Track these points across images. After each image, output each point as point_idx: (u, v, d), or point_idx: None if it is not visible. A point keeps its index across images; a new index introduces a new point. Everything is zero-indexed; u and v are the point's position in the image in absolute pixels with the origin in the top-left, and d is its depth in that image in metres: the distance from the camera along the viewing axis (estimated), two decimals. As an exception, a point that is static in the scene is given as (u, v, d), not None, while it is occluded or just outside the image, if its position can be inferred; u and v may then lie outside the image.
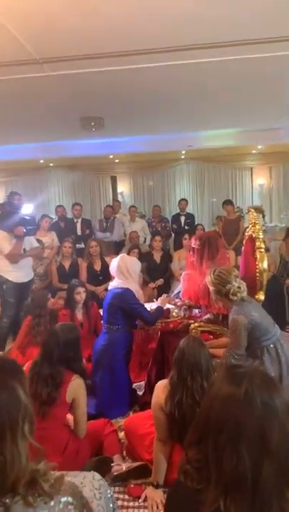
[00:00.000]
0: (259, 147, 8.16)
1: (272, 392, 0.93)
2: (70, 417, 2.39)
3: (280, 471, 0.87)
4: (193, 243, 3.18)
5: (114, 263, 3.26)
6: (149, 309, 3.26)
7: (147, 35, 2.83)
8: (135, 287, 3.23)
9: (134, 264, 3.30)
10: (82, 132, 5.49)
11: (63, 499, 0.85)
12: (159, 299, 3.30)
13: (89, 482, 1.40)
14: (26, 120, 5.16)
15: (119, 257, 3.35)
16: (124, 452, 2.58)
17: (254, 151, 8.60)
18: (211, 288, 2.60)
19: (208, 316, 3.08)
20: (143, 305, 3.19)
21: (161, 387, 2.19)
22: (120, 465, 2.38)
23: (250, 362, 2.44)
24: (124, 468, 2.34)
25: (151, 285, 5.42)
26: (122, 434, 2.68)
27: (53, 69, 3.38)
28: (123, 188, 9.51)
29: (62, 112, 4.83)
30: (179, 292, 3.55)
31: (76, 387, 2.31)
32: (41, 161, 8.64)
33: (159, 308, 3.17)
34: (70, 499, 0.86)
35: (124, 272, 3.18)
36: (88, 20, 2.60)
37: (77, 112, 4.91)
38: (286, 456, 0.89)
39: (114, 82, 3.76)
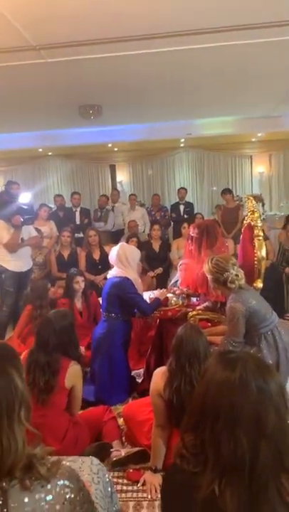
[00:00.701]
0: (259, 135, 8.09)
1: (266, 376, 0.94)
2: None
3: (277, 454, 0.89)
4: (192, 232, 3.17)
5: (113, 252, 3.26)
6: (147, 298, 3.27)
7: (146, 20, 2.79)
8: (134, 276, 3.23)
9: (134, 252, 3.30)
10: (80, 120, 5.45)
11: (60, 482, 0.86)
12: (158, 291, 3.30)
13: (87, 467, 1.42)
14: (24, 108, 5.10)
15: (118, 245, 3.34)
16: (124, 438, 2.61)
17: (254, 139, 8.53)
18: (209, 276, 2.61)
19: (206, 303, 3.10)
20: (141, 295, 3.19)
21: (160, 374, 2.21)
22: (119, 450, 2.41)
23: (247, 349, 2.46)
24: (123, 454, 2.37)
25: (150, 274, 5.43)
26: (121, 421, 2.72)
27: (51, 55, 3.34)
28: (122, 176, 9.46)
29: (60, 99, 4.78)
30: (177, 281, 3.56)
31: (74, 373, 2.33)
32: (40, 150, 8.58)
33: (157, 300, 3.17)
34: (66, 482, 0.87)
35: (123, 261, 3.18)
36: (86, 6, 2.55)
37: (75, 100, 4.86)
38: (281, 438, 0.90)
39: (113, 68, 3.72)
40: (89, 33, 2.97)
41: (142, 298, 3.16)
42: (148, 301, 3.19)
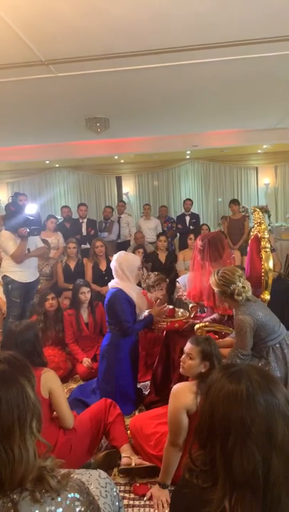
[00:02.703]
0: (264, 147, 8.14)
1: (272, 386, 0.94)
2: None
3: (287, 464, 0.88)
4: (197, 243, 3.18)
5: (112, 261, 3.16)
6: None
7: (153, 35, 2.84)
8: (132, 287, 3.12)
9: (130, 261, 3.14)
10: (87, 133, 5.52)
11: (70, 495, 0.86)
12: (154, 307, 3.18)
13: (95, 480, 1.41)
14: (32, 121, 5.19)
15: (116, 255, 3.20)
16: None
17: (259, 151, 8.59)
18: (216, 289, 2.59)
19: (213, 316, 3.08)
20: (127, 311, 3.02)
21: (185, 389, 2.10)
22: (130, 458, 2.35)
23: (255, 361, 2.44)
24: (133, 464, 2.33)
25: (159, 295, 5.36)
26: (128, 434, 2.69)
27: (59, 70, 3.40)
28: (128, 188, 9.53)
29: (68, 113, 4.86)
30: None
31: (49, 379, 2.22)
32: (47, 162, 8.69)
33: (148, 318, 3.08)
34: (76, 495, 0.87)
35: (118, 272, 3.08)
36: (93, 21, 2.61)
37: (82, 113, 4.93)
38: None
39: (120, 82, 3.78)
40: (97, 48, 3.03)
41: (128, 315, 3.01)
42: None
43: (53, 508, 0.83)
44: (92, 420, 2.41)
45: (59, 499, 0.84)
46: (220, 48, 3.06)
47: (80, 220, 6.84)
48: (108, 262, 5.13)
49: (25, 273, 4.29)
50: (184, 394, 2.08)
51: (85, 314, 3.99)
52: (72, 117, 5.05)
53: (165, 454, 2.10)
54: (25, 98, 4.14)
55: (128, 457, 2.36)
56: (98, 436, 2.44)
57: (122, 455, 2.39)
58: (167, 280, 4.17)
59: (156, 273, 4.03)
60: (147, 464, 2.36)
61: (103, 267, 5.13)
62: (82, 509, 0.86)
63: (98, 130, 5.23)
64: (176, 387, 2.16)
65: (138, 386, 3.37)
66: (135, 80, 3.75)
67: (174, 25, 2.71)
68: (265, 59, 3.31)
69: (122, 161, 9.06)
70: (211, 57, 3.26)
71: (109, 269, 5.01)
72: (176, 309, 3.32)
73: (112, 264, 3.15)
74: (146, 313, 3.19)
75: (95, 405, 2.55)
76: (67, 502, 0.85)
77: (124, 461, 2.34)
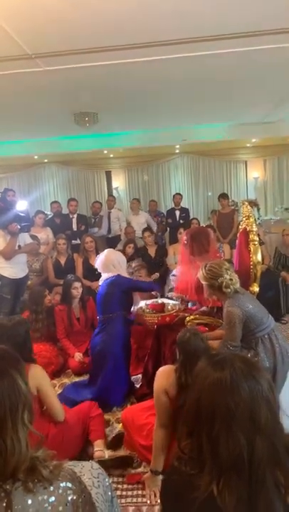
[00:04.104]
0: (253, 140, 8.18)
1: (255, 372, 0.97)
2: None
3: (271, 447, 0.92)
4: (183, 238, 3.23)
5: (101, 258, 3.31)
6: (144, 304, 3.31)
7: (141, 29, 2.84)
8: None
9: (123, 257, 3.44)
10: (76, 128, 5.49)
11: (62, 484, 0.88)
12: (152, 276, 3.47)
13: (87, 471, 1.42)
14: (20, 116, 5.15)
15: (106, 251, 3.40)
16: (124, 445, 2.58)
17: (248, 145, 8.62)
18: (204, 283, 2.62)
19: (203, 308, 3.12)
20: (137, 279, 3.36)
21: (165, 372, 2.24)
22: (102, 451, 2.44)
23: (244, 353, 2.48)
24: (106, 456, 2.40)
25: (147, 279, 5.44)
26: (120, 426, 2.72)
27: (47, 64, 3.38)
28: (118, 182, 9.50)
29: (56, 107, 4.83)
30: (172, 288, 3.59)
31: (36, 375, 2.23)
32: (35, 157, 8.62)
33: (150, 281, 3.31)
34: (69, 484, 0.88)
35: (116, 265, 3.26)
36: (81, 14, 2.60)
37: (71, 108, 4.91)
38: (274, 431, 0.93)
39: (108, 76, 3.77)
40: (85, 42, 3.02)
41: (139, 281, 3.39)
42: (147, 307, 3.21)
43: (45, 497, 0.85)
44: (78, 414, 2.53)
45: (51, 488, 0.86)
46: (207, 41, 3.07)
47: (70, 216, 6.81)
48: (99, 257, 5.15)
49: (14, 269, 4.28)
50: (163, 376, 2.22)
51: (76, 309, 4.01)
52: (61, 112, 5.02)
53: (154, 437, 2.19)
54: (12, 92, 4.10)
55: (100, 450, 2.45)
56: (85, 431, 2.53)
57: (95, 449, 2.47)
58: (145, 265, 4.34)
59: (136, 260, 4.17)
60: (120, 454, 2.44)
61: (93, 262, 5.12)
62: (75, 497, 0.88)
63: (87, 124, 5.21)
64: (159, 370, 2.30)
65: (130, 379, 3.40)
66: (123, 74, 3.74)
67: (162, 19, 2.71)
68: (251, 53, 3.33)
69: (111, 155, 9.02)
70: (198, 51, 3.27)
71: (99, 264, 5.04)
72: (166, 303, 3.35)
73: (104, 259, 3.25)
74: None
75: (80, 405, 2.69)
76: (60, 491, 0.86)
77: (96, 454, 2.43)
